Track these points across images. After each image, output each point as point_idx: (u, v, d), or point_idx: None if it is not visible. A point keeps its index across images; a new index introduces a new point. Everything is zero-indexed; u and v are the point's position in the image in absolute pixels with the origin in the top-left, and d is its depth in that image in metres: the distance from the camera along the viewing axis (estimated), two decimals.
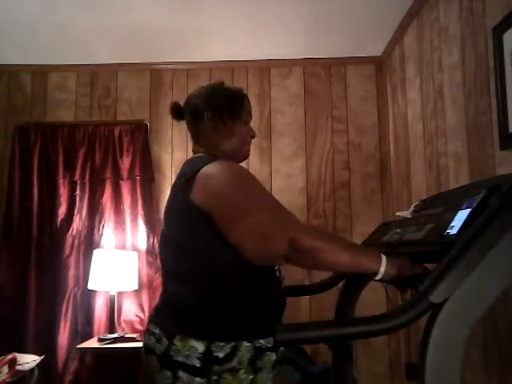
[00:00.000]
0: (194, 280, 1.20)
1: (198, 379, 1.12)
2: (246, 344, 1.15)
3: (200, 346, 1.13)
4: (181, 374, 1.13)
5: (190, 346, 1.13)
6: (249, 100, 1.43)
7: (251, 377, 1.15)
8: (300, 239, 1.05)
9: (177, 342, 1.14)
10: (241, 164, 1.33)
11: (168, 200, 1.31)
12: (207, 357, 1.12)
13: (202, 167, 1.18)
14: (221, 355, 1.13)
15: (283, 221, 1.10)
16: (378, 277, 1.09)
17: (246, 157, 1.41)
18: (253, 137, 1.42)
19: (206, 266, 1.19)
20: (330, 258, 1.09)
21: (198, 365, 1.12)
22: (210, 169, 1.18)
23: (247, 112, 1.40)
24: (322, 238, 1.10)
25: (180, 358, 1.13)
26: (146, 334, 1.24)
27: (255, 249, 1.10)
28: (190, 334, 1.14)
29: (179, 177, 1.27)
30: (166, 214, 1.32)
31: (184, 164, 1.33)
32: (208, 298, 1.18)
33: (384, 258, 1.10)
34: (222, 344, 1.13)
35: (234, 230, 1.13)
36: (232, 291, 1.19)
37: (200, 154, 1.34)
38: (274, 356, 1.20)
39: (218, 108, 1.35)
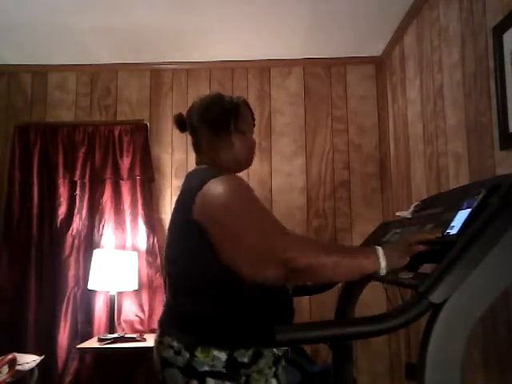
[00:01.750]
0: (205, 292, 1.21)
1: (227, 383, 1.15)
2: (266, 350, 1.19)
3: (223, 356, 1.15)
4: (209, 380, 1.14)
5: (213, 356, 1.15)
6: (248, 106, 1.42)
7: (273, 370, 1.21)
8: (295, 260, 1.05)
9: (198, 354, 1.15)
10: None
11: (172, 213, 1.33)
12: (232, 363, 1.15)
13: (205, 183, 1.19)
14: (245, 360, 1.16)
15: (276, 244, 1.09)
16: (383, 272, 1.09)
17: (247, 166, 1.42)
18: (253, 146, 1.42)
19: (215, 277, 1.20)
20: (330, 271, 1.09)
21: (224, 371, 1.15)
22: (211, 187, 1.18)
23: (244, 121, 1.38)
24: (317, 253, 1.09)
25: (205, 368, 1.15)
26: (161, 346, 1.24)
27: (250, 275, 1.12)
28: (210, 345, 1.16)
29: (183, 192, 1.29)
30: (169, 227, 1.34)
31: (188, 176, 1.34)
32: (222, 309, 1.19)
33: (381, 251, 1.09)
34: (243, 351, 1.16)
35: (229, 255, 1.15)
36: (244, 300, 1.20)
37: (203, 166, 1.35)
38: (283, 361, 1.26)
39: (212, 122, 1.35)
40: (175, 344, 1.19)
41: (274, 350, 1.22)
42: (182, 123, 1.43)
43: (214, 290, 1.21)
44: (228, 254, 1.16)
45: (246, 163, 1.41)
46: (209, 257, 1.19)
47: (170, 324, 1.27)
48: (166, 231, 1.37)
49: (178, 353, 1.18)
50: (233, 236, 1.14)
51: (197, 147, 1.40)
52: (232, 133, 1.34)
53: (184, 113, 1.43)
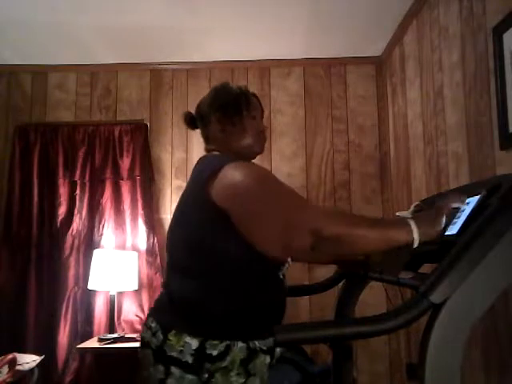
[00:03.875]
0: (195, 275, 1.20)
1: (189, 376, 1.12)
2: (240, 344, 1.15)
3: (194, 343, 1.13)
4: (173, 369, 1.13)
5: (184, 342, 1.13)
6: (256, 96, 1.42)
7: (242, 380, 1.14)
8: (323, 229, 1.05)
9: (171, 337, 1.14)
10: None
11: (183, 193, 1.31)
12: (200, 354, 1.12)
13: (223, 165, 1.18)
14: (214, 353, 1.12)
15: (303, 214, 1.10)
16: (416, 244, 1.06)
17: (260, 152, 1.41)
18: (263, 131, 1.41)
19: (210, 262, 1.19)
20: (359, 241, 1.08)
21: (190, 361, 1.12)
22: (232, 169, 1.18)
23: (254, 107, 1.38)
24: (346, 222, 1.10)
25: (174, 353, 1.13)
26: (144, 327, 1.25)
27: (280, 248, 1.12)
28: (185, 330, 1.14)
29: (198, 173, 1.27)
30: (177, 207, 1.32)
31: (199, 161, 1.33)
32: (207, 295, 1.18)
33: (413, 223, 1.06)
34: (215, 342, 1.13)
35: (257, 233, 1.15)
36: (232, 291, 1.19)
37: (215, 153, 1.34)
38: (267, 359, 1.20)
39: (223, 107, 1.34)
40: (153, 325, 1.20)
41: (255, 342, 1.17)
42: (192, 120, 1.43)
43: (207, 274, 1.19)
44: (258, 234, 1.14)
45: (258, 149, 1.39)
46: (217, 241, 1.18)
47: (156, 306, 1.29)
48: (173, 214, 1.34)
49: (154, 334, 1.18)
50: (262, 215, 1.13)
51: (207, 137, 1.39)
52: (244, 117, 1.34)
53: (185, 111, 1.44)
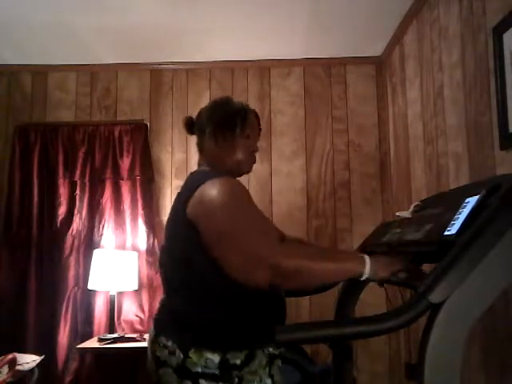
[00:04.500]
0: (197, 293, 1.22)
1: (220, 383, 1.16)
2: (258, 350, 1.20)
3: (216, 358, 1.16)
4: (202, 381, 1.15)
5: (206, 358, 1.16)
6: (256, 115, 1.44)
7: (269, 381, 1.21)
8: (281, 264, 1.08)
9: (192, 355, 1.16)
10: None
11: (170, 210, 1.35)
12: (225, 365, 1.16)
13: (201, 184, 1.21)
14: (238, 362, 1.17)
15: (264, 249, 1.12)
16: (364, 277, 1.13)
17: (247, 171, 1.43)
18: (255, 151, 1.43)
19: (204, 278, 1.21)
20: (316, 274, 1.13)
21: (217, 373, 1.15)
22: (206, 188, 1.21)
23: (251, 127, 1.40)
24: (303, 257, 1.13)
25: (198, 369, 1.16)
26: (156, 345, 1.24)
27: (240, 277, 1.14)
28: (203, 347, 1.17)
29: (181, 193, 1.31)
30: (166, 226, 1.35)
31: (188, 177, 1.37)
32: (215, 310, 1.21)
33: (367, 258, 1.13)
34: (236, 353, 1.17)
35: (220, 257, 1.17)
36: (237, 302, 1.21)
37: (202, 168, 1.37)
38: (279, 362, 1.27)
39: (219, 122, 1.36)
40: (169, 344, 1.20)
41: (269, 349, 1.23)
42: (190, 125, 1.45)
43: (206, 291, 1.21)
44: (219, 254, 1.17)
45: (246, 168, 1.42)
46: (201, 258, 1.19)
47: (165, 323, 1.28)
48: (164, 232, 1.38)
49: (172, 353, 1.19)
50: (224, 237, 1.16)
51: (201, 146, 1.42)
52: (237, 135, 1.36)
53: (186, 115, 1.47)
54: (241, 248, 1.13)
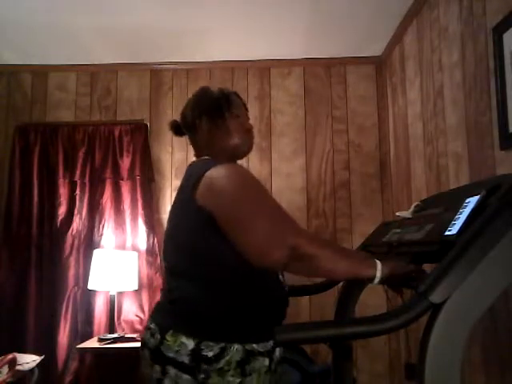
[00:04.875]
0: (193, 278, 1.21)
1: (185, 376, 1.13)
2: (236, 346, 1.15)
3: (190, 344, 1.13)
4: (170, 369, 1.14)
5: (181, 343, 1.14)
6: (237, 95, 1.44)
7: (238, 380, 1.14)
8: (301, 246, 1.07)
9: (168, 338, 1.15)
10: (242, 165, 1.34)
11: (174, 200, 1.33)
12: (196, 355, 1.13)
13: (207, 169, 1.19)
14: (210, 354, 1.13)
15: (284, 228, 1.11)
16: (376, 281, 1.12)
17: (248, 151, 1.42)
18: (250, 129, 1.42)
19: (206, 266, 1.20)
20: (329, 265, 1.11)
21: (186, 362, 1.13)
22: (216, 172, 1.19)
23: (237, 106, 1.40)
24: (322, 245, 1.13)
25: (170, 354, 1.14)
26: (145, 329, 1.26)
27: (257, 255, 1.11)
28: (181, 331, 1.15)
29: (186, 178, 1.29)
30: (171, 213, 1.33)
31: (189, 167, 1.35)
32: (205, 297, 1.19)
33: (379, 264, 1.12)
34: (211, 344, 1.13)
35: (237, 236, 1.14)
36: (230, 293, 1.19)
37: (205, 157, 1.35)
38: (266, 361, 1.18)
39: (206, 111, 1.36)
40: (152, 326, 1.21)
41: (247, 347, 1.16)
42: (177, 128, 1.45)
43: (207, 278, 1.20)
44: (238, 238, 1.14)
45: (246, 148, 1.41)
46: (208, 243, 1.18)
47: (156, 308, 1.30)
48: (167, 220, 1.36)
49: (152, 335, 1.20)
50: (245, 219, 1.13)
51: (195, 143, 1.41)
52: (227, 118, 1.36)
53: (172, 121, 1.47)
54: (264, 227, 1.10)
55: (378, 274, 1.11)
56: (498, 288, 0.96)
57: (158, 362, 1.16)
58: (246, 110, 1.46)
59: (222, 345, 1.14)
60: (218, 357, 1.13)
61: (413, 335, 2.49)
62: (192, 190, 1.19)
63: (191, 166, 1.33)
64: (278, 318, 1.27)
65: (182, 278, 1.24)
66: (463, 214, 1.07)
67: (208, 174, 1.18)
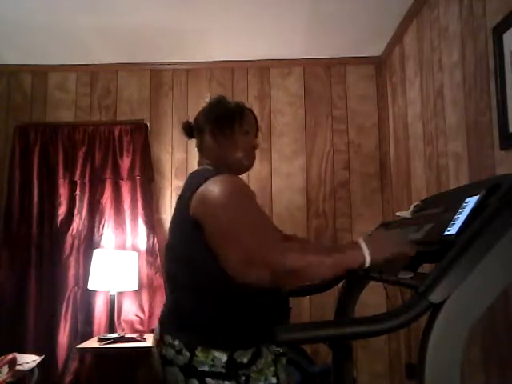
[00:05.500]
0: (202, 290, 1.23)
1: (226, 382, 1.16)
2: (264, 349, 1.21)
3: (223, 357, 1.16)
4: (208, 380, 1.16)
5: (213, 357, 1.16)
6: (252, 113, 1.45)
7: (273, 372, 1.21)
8: (279, 263, 1.07)
9: (198, 354, 1.17)
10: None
11: (173, 211, 1.35)
12: (232, 364, 1.16)
13: (204, 181, 1.21)
14: (244, 360, 1.17)
15: (262, 246, 1.10)
16: (367, 264, 1.10)
17: (249, 168, 1.43)
18: (255, 147, 1.43)
19: (205, 277, 1.22)
20: (315, 270, 1.11)
21: (224, 371, 1.16)
22: (210, 184, 1.20)
23: (249, 123, 1.41)
24: (300, 255, 1.10)
25: (205, 368, 1.16)
26: (161, 344, 1.24)
27: (237, 274, 1.13)
28: (211, 346, 1.17)
29: (184, 190, 1.31)
30: (170, 225, 1.36)
31: (189, 176, 1.37)
32: (220, 308, 1.21)
33: (363, 243, 1.10)
34: (242, 352, 1.18)
35: (220, 253, 1.16)
36: (241, 300, 1.21)
37: (205, 167, 1.37)
38: (284, 361, 1.27)
39: (217, 120, 1.37)
40: (176, 343, 1.20)
41: (274, 348, 1.23)
42: (189, 130, 1.46)
43: (211, 289, 1.22)
44: (219, 251, 1.17)
45: (247, 165, 1.42)
46: (205, 255, 1.19)
47: (170, 322, 1.28)
48: (167, 231, 1.38)
49: (178, 352, 1.19)
50: (224, 234, 1.15)
51: (200, 147, 1.42)
52: (236, 131, 1.36)
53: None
54: (240, 246, 1.12)
55: (367, 256, 1.09)
56: (498, 288, 0.96)
57: (193, 377, 1.17)
58: (257, 129, 1.47)
59: (253, 350, 1.19)
60: (253, 360, 1.18)
61: (413, 335, 2.50)
62: (187, 202, 1.22)
63: (191, 176, 1.36)
64: (284, 316, 1.30)
65: (189, 291, 1.25)
66: (463, 213, 1.07)
67: (202, 187, 1.20)
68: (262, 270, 1.07)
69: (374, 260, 1.10)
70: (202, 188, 1.20)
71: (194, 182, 1.26)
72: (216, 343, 1.17)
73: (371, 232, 1.40)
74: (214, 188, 1.19)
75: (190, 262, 1.23)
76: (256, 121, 1.46)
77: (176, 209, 1.33)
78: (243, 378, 1.17)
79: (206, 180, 1.21)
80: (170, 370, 1.21)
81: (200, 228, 1.18)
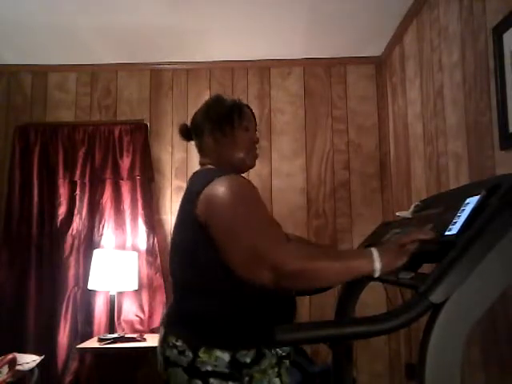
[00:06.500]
0: (207, 291, 1.23)
1: (230, 382, 1.17)
2: (267, 350, 1.21)
3: (226, 356, 1.16)
4: (212, 380, 1.16)
5: (216, 357, 1.16)
6: (250, 109, 1.45)
7: (276, 373, 1.23)
8: (284, 265, 1.04)
9: (202, 355, 1.17)
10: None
11: (177, 214, 1.34)
12: (235, 364, 1.17)
13: (208, 183, 1.20)
14: (248, 360, 1.18)
15: (267, 248, 1.08)
16: (377, 274, 1.05)
17: (252, 165, 1.43)
18: (256, 142, 1.43)
19: (211, 278, 1.22)
20: (321, 275, 1.07)
21: (227, 371, 1.16)
22: (214, 185, 1.20)
23: (248, 119, 1.41)
24: (307, 257, 1.08)
25: (208, 368, 1.16)
26: (165, 345, 1.24)
27: (243, 275, 1.13)
28: (214, 346, 1.17)
29: (188, 192, 1.30)
30: (175, 226, 1.35)
31: (192, 176, 1.36)
32: (224, 309, 1.21)
33: (375, 252, 1.06)
34: (244, 352, 1.18)
35: (226, 253, 1.16)
36: (246, 300, 1.21)
37: (208, 166, 1.36)
38: (288, 363, 1.27)
39: (216, 118, 1.37)
40: (179, 344, 1.20)
41: (277, 350, 1.23)
42: (186, 132, 1.45)
43: (215, 289, 1.22)
44: (225, 251, 1.16)
45: (249, 162, 1.41)
46: (211, 256, 1.19)
47: (174, 323, 1.28)
48: (171, 232, 1.38)
49: (181, 352, 1.19)
50: (230, 234, 1.15)
51: (201, 148, 1.41)
52: (236, 129, 1.36)
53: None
54: (245, 247, 1.11)
55: (377, 265, 1.04)
56: (498, 288, 0.95)
57: (196, 377, 1.17)
58: (256, 124, 1.46)
59: (256, 350, 1.19)
60: (256, 360, 1.18)
61: (413, 335, 2.50)
62: (192, 205, 1.21)
63: (194, 177, 1.35)
64: (290, 317, 1.33)
65: (193, 291, 1.25)
66: (463, 214, 1.07)
67: (207, 189, 1.20)
68: (266, 271, 1.06)
69: (384, 272, 1.06)
70: (208, 188, 1.19)
71: (198, 182, 1.25)
72: (219, 343, 1.17)
73: (383, 240, 1.37)
74: (220, 188, 1.18)
75: (195, 263, 1.23)
76: (254, 116, 1.46)
77: (181, 209, 1.32)
78: (246, 379, 1.17)
79: (211, 180, 1.20)
80: (173, 370, 1.21)
81: (206, 228, 1.18)
